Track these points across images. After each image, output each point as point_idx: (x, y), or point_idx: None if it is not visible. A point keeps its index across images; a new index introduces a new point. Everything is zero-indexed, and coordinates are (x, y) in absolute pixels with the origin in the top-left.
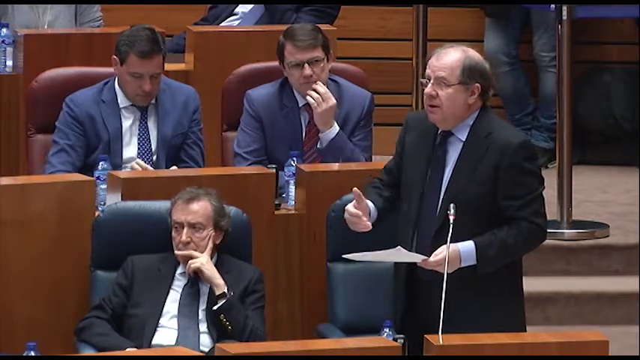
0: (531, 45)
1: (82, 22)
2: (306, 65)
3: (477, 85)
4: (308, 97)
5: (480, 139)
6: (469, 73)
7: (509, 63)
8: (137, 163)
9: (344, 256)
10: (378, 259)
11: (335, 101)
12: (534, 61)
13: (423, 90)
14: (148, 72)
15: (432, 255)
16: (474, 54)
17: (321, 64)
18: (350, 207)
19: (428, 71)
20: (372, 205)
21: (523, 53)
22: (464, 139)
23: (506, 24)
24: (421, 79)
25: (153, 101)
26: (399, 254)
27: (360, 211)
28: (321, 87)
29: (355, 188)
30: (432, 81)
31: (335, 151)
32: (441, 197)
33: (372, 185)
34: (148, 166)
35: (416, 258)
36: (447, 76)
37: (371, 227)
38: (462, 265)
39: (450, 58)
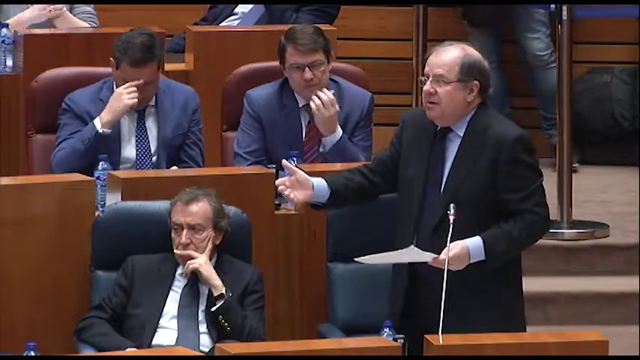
0: (516, 46)
1: (74, 15)
2: (306, 69)
3: (476, 82)
4: (311, 103)
5: (478, 134)
6: (467, 71)
7: (493, 67)
8: None
9: (356, 259)
10: (390, 261)
11: (338, 108)
12: (523, 62)
13: (422, 88)
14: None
15: (442, 253)
16: (472, 52)
17: (322, 68)
18: (277, 180)
19: (427, 69)
20: (322, 183)
21: (507, 54)
22: (462, 135)
23: (489, 29)
24: (420, 77)
25: (152, 102)
26: (411, 254)
27: (289, 182)
28: (325, 94)
29: (284, 160)
30: (430, 78)
31: (338, 154)
32: (441, 193)
33: (348, 169)
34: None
35: (427, 257)
36: (446, 74)
37: (299, 198)
38: (471, 261)
39: (448, 55)
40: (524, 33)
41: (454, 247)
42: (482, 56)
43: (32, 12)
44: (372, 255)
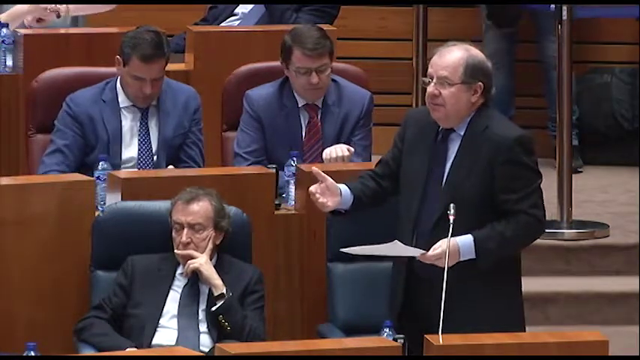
0: (534, 45)
1: None
2: (313, 73)
3: (480, 83)
4: (324, 153)
5: (478, 133)
6: (472, 72)
7: (504, 65)
8: None
9: (342, 250)
10: (376, 253)
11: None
12: (540, 63)
13: (425, 89)
14: (150, 76)
15: (431, 249)
16: (476, 53)
17: (328, 71)
18: (311, 187)
19: (430, 70)
20: (347, 190)
21: (524, 53)
22: (463, 134)
23: (507, 30)
24: (423, 78)
25: (154, 102)
26: (397, 248)
27: (320, 190)
28: (342, 151)
29: (314, 167)
30: (434, 80)
31: None
32: (441, 192)
33: (361, 175)
34: None
35: (414, 252)
36: (450, 76)
37: (329, 205)
38: (461, 259)
39: (452, 57)
40: (547, 35)
41: (444, 244)
42: (487, 57)
43: (28, 7)
44: (360, 247)
